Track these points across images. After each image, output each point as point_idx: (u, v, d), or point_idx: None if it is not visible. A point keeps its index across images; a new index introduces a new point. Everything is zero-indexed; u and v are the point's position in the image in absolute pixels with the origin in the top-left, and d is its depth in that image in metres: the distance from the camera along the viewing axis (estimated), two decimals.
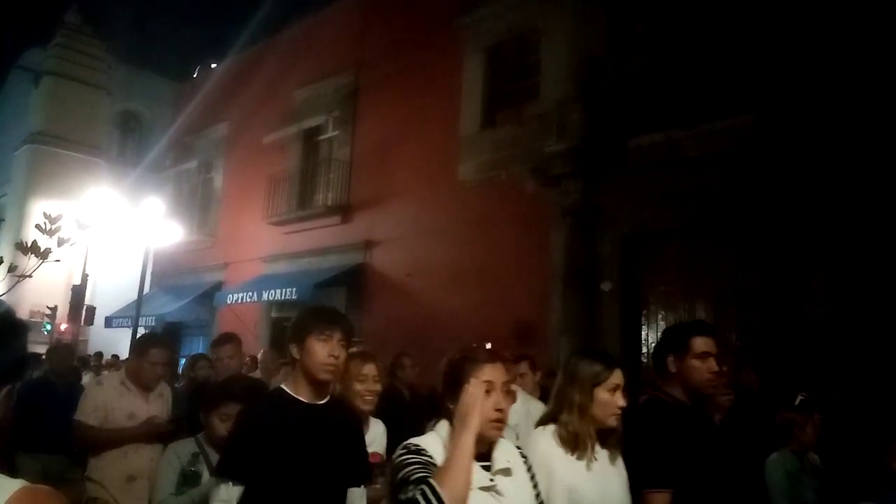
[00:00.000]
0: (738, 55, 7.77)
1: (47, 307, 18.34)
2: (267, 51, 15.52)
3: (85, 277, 15.23)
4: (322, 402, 2.41)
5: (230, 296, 13.12)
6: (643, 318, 8.33)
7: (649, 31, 8.93)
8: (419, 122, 11.48)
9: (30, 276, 6.60)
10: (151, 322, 14.87)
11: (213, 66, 18.94)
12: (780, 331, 7.11)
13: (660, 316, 8.17)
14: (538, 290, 8.90)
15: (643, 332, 8.28)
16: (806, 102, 6.93)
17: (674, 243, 8.22)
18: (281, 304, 13.04)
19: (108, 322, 15.95)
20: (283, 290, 11.79)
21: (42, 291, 17.97)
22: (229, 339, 4.58)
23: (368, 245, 11.99)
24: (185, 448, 3.09)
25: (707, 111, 7.76)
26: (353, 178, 12.73)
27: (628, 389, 2.49)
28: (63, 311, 16.87)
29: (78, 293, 15.23)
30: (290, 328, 2.49)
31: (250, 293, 12.57)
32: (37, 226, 6.68)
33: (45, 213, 6.70)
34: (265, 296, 12.20)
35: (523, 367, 5.10)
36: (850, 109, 6.63)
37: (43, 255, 6.34)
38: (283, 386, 2.45)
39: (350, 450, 2.45)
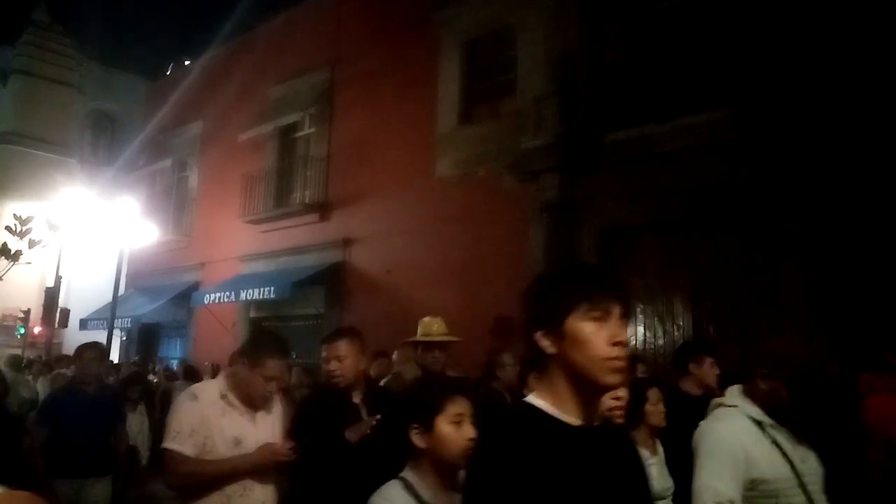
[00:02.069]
0: (713, 49, 7.85)
1: (20, 310, 18.04)
2: (241, 48, 15.37)
3: (58, 279, 15.00)
4: (596, 424, 1.49)
5: (207, 296, 13.00)
6: None
7: (624, 26, 8.99)
8: (396, 118, 11.45)
9: (0, 278, 6.44)
10: (127, 324, 14.70)
11: (187, 63, 18.72)
12: (756, 323, 7.21)
13: (638, 309, 8.24)
14: (517, 285, 8.84)
15: None
16: (780, 96, 7.02)
17: (651, 237, 8.29)
18: (259, 304, 12.95)
19: (83, 324, 15.70)
20: (261, 289, 11.70)
21: (15, 294, 17.70)
22: (343, 333, 3.40)
23: (347, 243, 11.94)
24: (396, 494, 1.98)
25: (682, 106, 7.84)
26: (331, 175, 12.66)
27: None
28: (36, 314, 16.61)
29: (51, 295, 14.99)
30: (533, 303, 1.52)
31: (227, 293, 12.46)
32: (7, 227, 6.54)
33: (15, 215, 6.56)
34: (243, 295, 12.10)
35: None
36: (825, 102, 6.73)
37: (13, 257, 6.22)
38: (531, 400, 1.47)
39: (640, 497, 1.57)
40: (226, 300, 12.53)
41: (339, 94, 12.87)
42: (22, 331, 18.09)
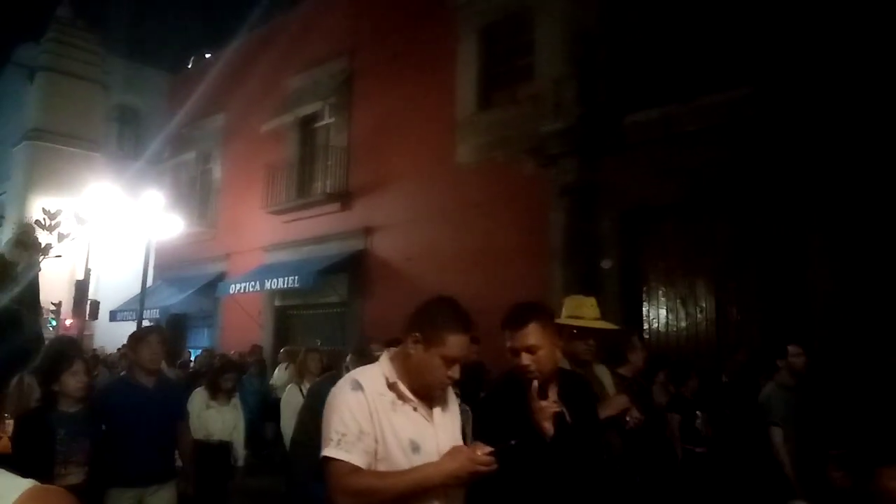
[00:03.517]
0: (733, 27, 7.72)
1: (51, 303, 18.43)
2: (261, 39, 15.45)
3: (88, 272, 15.27)
4: None
5: (233, 286, 13.17)
6: (644, 295, 8.35)
7: (643, 5, 8.86)
8: (415, 105, 11.44)
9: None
10: (156, 315, 14.95)
11: (208, 56, 18.87)
12: (781, 303, 7.13)
13: (661, 292, 8.19)
14: (538, 269, 8.92)
15: (644, 309, 8.31)
16: (802, 73, 6.90)
17: (673, 219, 8.22)
18: (284, 293, 13.09)
19: (113, 316, 16.02)
20: (286, 278, 11.82)
21: (46, 287, 18.00)
22: (531, 314, 2.58)
23: (368, 231, 12.01)
24: None
25: (703, 85, 7.72)
26: (351, 164, 12.72)
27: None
28: (67, 307, 16.94)
29: (81, 288, 15.28)
30: None
31: (253, 283, 12.62)
32: (36, 222, 6.69)
33: (44, 209, 6.71)
34: (268, 285, 12.24)
35: None
36: (846, 79, 6.60)
37: (44, 251, 6.36)
38: None
39: None
40: (251, 290, 12.69)
41: (357, 82, 12.89)
42: (54, 323, 18.48)
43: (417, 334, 2.23)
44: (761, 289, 7.37)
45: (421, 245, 10.85)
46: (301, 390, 5.93)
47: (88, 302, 15.57)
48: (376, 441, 2.12)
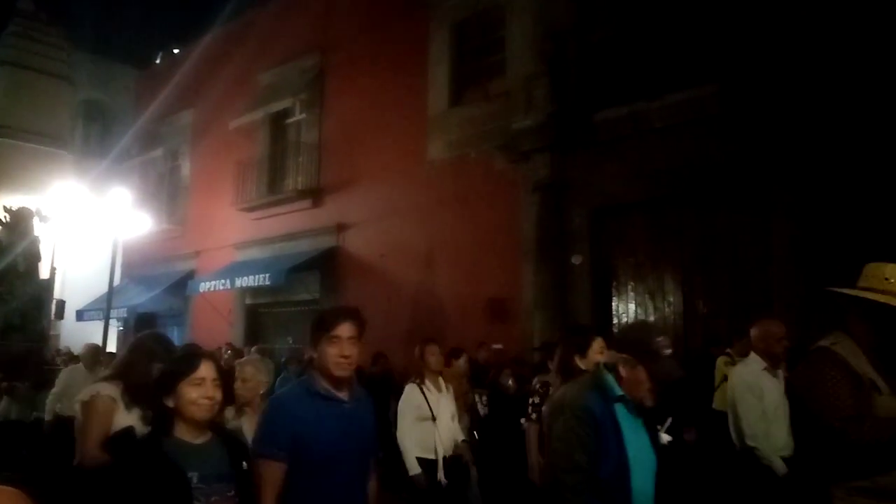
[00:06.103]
0: (700, 25, 7.84)
1: None
2: (231, 35, 15.27)
3: (53, 271, 15.00)
4: None
5: (203, 284, 13.02)
6: (614, 290, 8.45)
7: (612, 2, 8.96)
8: (387, 102, 11.41)
9: None
10: (123, 314, 14.72)
11: (176, 51, 18.61)
12: (745, 296, 7.27)
13: (630, 287, 8.30)
14: (510, 265, 8.98)
15: (614, 304, 8.41)
16: (766, 70, 7.03)
17: (642, 214, 8.33)
18: (255, 291, 12.99)
19: (80, 315, 15.72)
20: (256, 276, 11.72)
21: None
22: None
23: (340, 228, 11.95)
24: None
25: (671, 82, 7.84)
26: (323, 161, 12.64)
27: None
28: None
29: (47, 287, 15.00)
30: None
31: (223, 281, 12.48)
32: None
33: (4, 207, 6.58)
34: (238, 283, 12.12)
35: None
36: (810, 75, 6.74)
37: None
38: None
39: None
40: (221, 288, 12.56)
41: (329, 79, 12.82)
42: None
43: None
44: (727, 282, 7.51)
45: (393, 241, 10.84)
46: (422, 390, 4.84)
47: (54, 301, 15.29)
48: None
